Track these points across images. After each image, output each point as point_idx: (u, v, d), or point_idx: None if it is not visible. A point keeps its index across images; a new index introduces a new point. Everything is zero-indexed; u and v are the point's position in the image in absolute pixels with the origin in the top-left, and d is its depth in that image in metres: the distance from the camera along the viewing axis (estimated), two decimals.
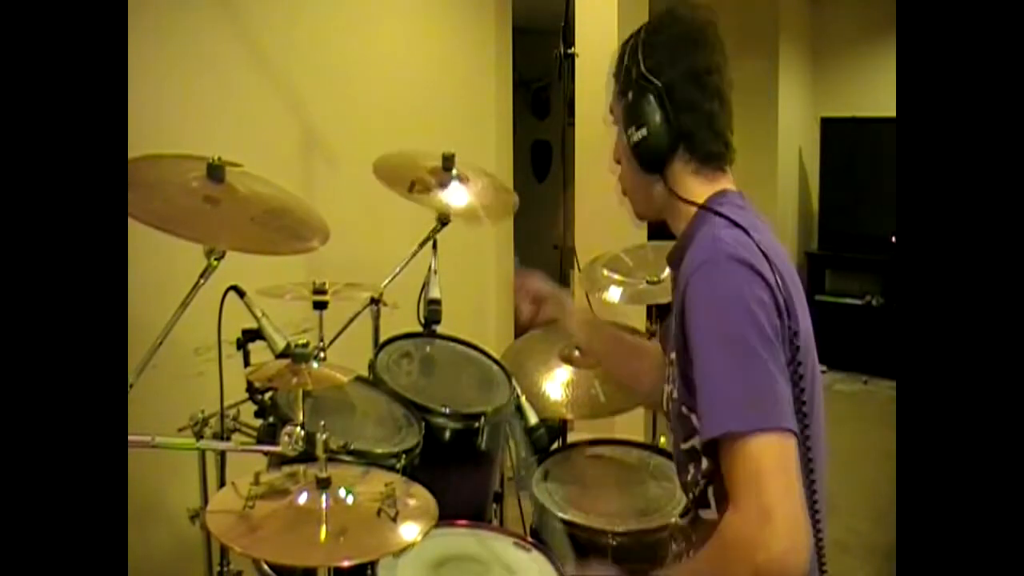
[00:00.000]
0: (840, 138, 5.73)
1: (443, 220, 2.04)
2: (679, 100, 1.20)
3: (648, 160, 1.23)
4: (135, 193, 1.28)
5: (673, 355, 1.20)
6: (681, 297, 1.13)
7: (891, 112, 3.52)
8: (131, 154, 1.32)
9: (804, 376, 1.11)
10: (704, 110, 1.21)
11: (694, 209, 1.23)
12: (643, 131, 1.20)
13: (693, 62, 1.21)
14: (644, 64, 1.20)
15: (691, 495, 1.24)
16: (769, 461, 0.99)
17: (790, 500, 0.97)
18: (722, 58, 1.24)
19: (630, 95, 1.22)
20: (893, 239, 5.16)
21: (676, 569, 1.09)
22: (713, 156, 1.24)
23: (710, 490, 1.18)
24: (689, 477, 1.22)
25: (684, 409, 1.18)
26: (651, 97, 1.19)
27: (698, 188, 1.23)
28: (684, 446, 1.21)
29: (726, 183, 1.26)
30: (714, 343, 1.07)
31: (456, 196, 2.04)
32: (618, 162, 1.32)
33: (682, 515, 1.33)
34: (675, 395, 1.21)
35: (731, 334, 1.06)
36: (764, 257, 1.09)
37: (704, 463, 1.17)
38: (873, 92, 5.53)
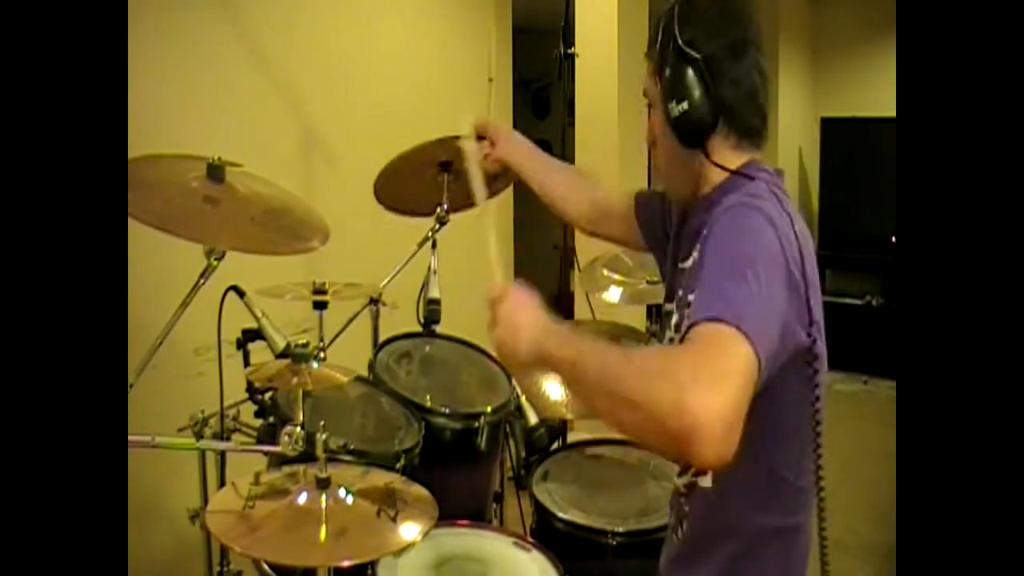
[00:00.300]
0: (840, 138, 5.72)
1: (442, 220, 2.04)
2: (720, 74, 1.18)
3: (689, 134, 1.21)
4: (135, 193, 1.28)
5: (691, 297, 1.15)
6: (703, 239, 1.12)
7: (891, 112, 3.51)
8: (131, 154, 1.32)
9: (819, 356, 1.11)
10: (745, 84, 1.20)
11: (725, 175, 1.22)
12: (684, 104, 1.18)
13: (732, 35, 1.20)
14: (682, 37, 1.18)
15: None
16: (738, 361, 0.94)
17: (738, 394, 0.91)
18: (759, 30, 1.23)
19: (669, 70, 1.20)
20: (893, 239, 5.15)
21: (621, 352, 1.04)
22: (753, 131, 1.23)
23: None
24: None
25: None
26: (691, 70, 1.18)
27: (735, 163, 1.22)
28: None
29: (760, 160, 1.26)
30: (720, 261, 1.05)
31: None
32: (652, 143, 1.30)
33: (680, 474, 1.29)
34: None
35: (742, 258, 1.04)
36: (794, 235, 1.09)
37: None
38: (873, 92, 5.53)
